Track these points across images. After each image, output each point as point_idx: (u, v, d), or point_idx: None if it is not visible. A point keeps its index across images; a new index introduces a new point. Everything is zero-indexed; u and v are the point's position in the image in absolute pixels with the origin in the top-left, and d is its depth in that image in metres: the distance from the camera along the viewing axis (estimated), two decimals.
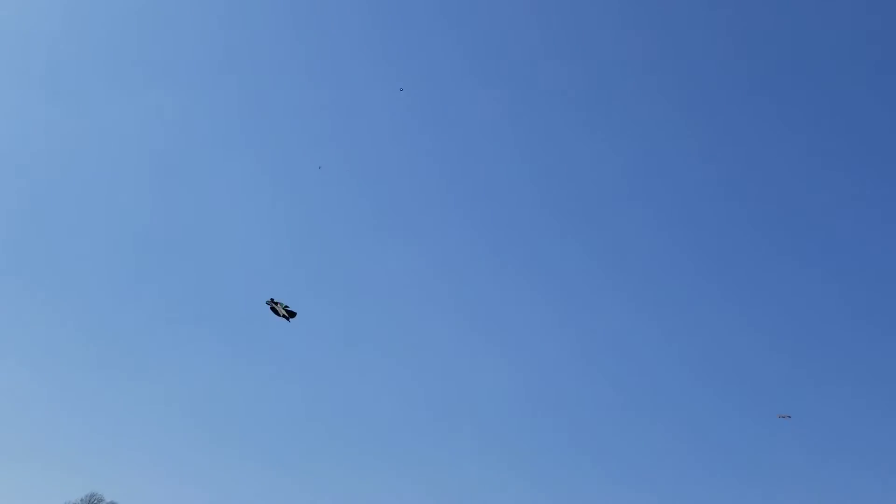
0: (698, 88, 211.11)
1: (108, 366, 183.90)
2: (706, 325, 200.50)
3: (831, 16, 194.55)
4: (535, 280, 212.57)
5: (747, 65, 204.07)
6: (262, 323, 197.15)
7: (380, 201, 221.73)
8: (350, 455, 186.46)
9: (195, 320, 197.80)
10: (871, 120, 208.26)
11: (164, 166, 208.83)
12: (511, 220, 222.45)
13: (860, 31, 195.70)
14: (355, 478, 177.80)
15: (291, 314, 35.98)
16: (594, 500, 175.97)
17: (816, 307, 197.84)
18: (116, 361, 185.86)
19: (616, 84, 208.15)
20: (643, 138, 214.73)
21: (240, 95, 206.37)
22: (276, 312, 35.35)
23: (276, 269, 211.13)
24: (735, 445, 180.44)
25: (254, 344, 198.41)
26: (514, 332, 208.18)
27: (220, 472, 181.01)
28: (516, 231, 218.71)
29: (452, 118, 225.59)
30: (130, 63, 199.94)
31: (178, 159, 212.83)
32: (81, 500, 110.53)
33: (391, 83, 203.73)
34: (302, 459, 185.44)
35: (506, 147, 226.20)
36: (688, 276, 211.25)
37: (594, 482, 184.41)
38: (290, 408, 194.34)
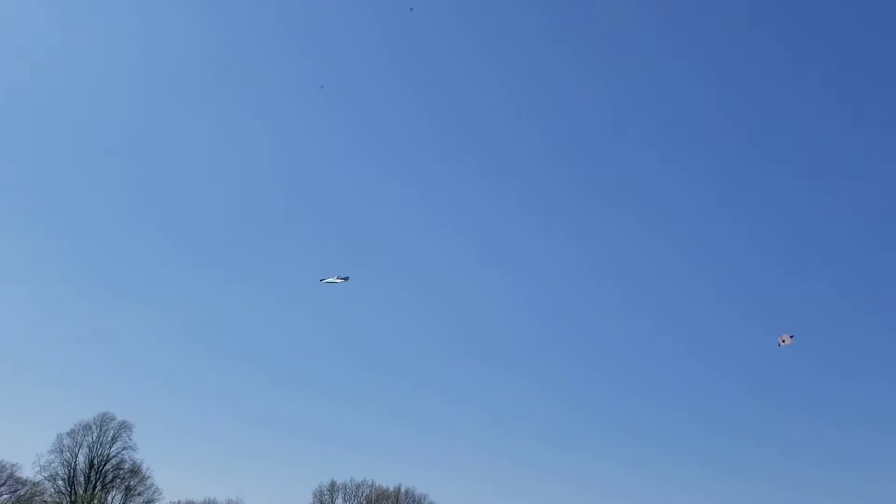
0: None
1: (115, 293, 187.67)
2: (709, 240, 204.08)
3: None
4: (538, 204, 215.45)
5: None
6: (265, 250, 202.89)
7: (376, 134, 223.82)
8: (356, 366, 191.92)
9: (198, 247, 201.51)
10: (867, 39, 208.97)
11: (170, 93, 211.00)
12: (506, 151, 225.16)
13: None
14: (362, 387, 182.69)
15: (344, 279, 35.80)
16: (585, 394, 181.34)
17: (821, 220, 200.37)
18: (123, 288, 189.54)
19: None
20: (635, 67, 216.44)
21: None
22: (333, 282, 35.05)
23: (276, 197, 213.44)
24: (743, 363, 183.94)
25: (259, 270, 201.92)
26: (513, 250, 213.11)
27: (228, 388, 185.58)
28: (510, 160, 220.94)
29: (441, 52, 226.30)
30: None
31: (183, 88, 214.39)
32: (94, 419, 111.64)
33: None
34: (309, 373, 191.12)
35: (497, 76, 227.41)
36: (689, 194, 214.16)
37: (589, 382, 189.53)
38: (296, 328, 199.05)
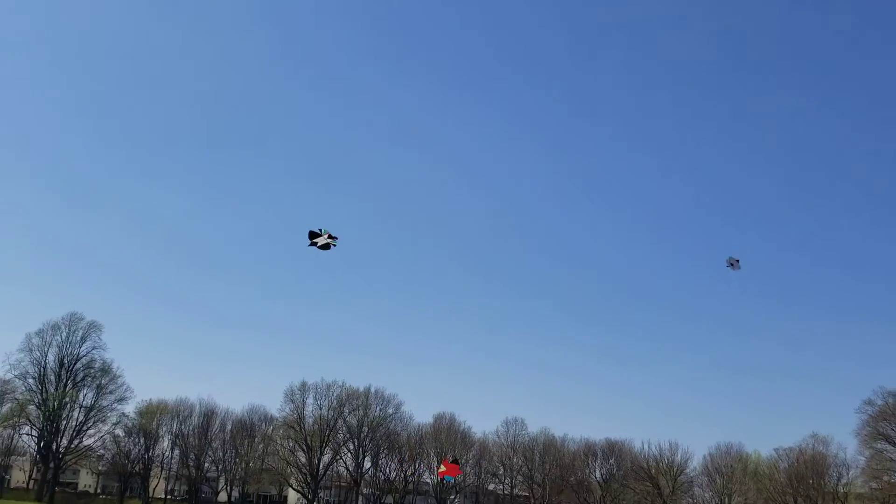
0: None
1: (78, 201, 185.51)
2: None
3: None
4: (512, 123, 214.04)
5: None
6: (233, 160, 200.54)
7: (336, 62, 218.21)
8: (326, 269, 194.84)
9: (172, 157, 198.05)
10: None
11: None
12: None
13: None
14: (333, 289, 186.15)
15: (333, 238, 34.10)
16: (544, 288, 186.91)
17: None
18: (85, 196, 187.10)
19: None
20: None
21: None
22: (324, 245, 33.30)
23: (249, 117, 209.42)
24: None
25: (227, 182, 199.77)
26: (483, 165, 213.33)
27: (197, 291, 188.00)
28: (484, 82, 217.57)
29: None
30: None
31: None
32: (62, 318, 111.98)
33: None
34: (281, 275, 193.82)
35: None
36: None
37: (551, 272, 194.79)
38: (266, 232, 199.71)
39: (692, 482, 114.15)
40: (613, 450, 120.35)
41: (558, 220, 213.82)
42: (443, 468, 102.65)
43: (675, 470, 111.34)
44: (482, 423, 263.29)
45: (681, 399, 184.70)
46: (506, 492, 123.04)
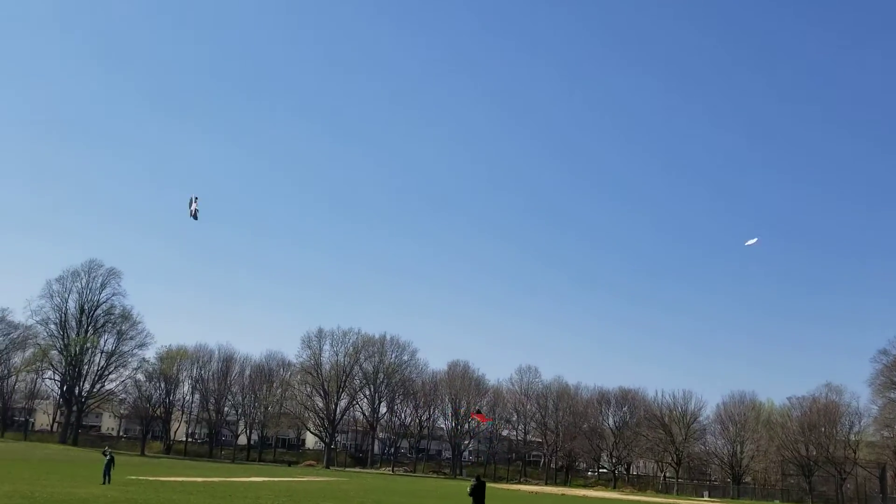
0: None
1: (95, 146, 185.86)
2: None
3: None
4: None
5: None
6: (245, 106, 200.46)
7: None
8: (343, 218, 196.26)
9: (182, 100, 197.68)
10: None
11: None
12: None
13: None
14: (348, 238, 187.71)
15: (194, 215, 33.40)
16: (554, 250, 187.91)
17: None
18: (102, 141, 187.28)
19: None
20: None
21: None
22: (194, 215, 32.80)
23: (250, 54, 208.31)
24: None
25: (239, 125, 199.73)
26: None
27: (216, 239, 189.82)
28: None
29: None
30: None
31: None
32: (82, 265, 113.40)
33: None
34: (298, 224, 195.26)
35: None
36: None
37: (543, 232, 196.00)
38: (283, 182, 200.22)
39: (705, 430, 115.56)
40: (627, 398, 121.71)
41: (579, 157, 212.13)
42: (476, 420, 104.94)
43: (688, 418, 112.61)
44: (496, 371, 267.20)
45: (694, 350, 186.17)
46: (519, 437, 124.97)
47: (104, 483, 32.71)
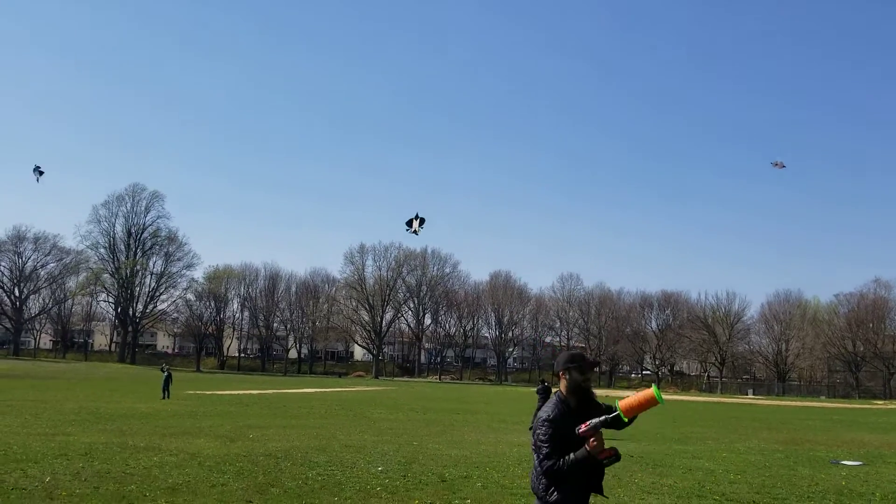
0: None
1: (129, 82, 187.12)
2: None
3: None
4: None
5: None
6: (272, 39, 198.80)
7: None
8: (381, 137, 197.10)
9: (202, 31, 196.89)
10: None
11: None
12: None
13: None
14: (384, 155, 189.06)
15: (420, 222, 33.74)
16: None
17: None
18: (137, 79, 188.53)
19: None
20: None
21: None
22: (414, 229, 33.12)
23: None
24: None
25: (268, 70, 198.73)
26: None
27: (257, 159, 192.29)
28: None
29: None
30: None
31: None
32: (125, 189, 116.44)
33: None
34: (338, 144, 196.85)
35: None
36: None
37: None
38: (320, 104, 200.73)
39: (749, 330, 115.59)
40: (669, 301, 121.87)
41: (616, 65, 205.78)
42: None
43: (731, 318, 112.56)
44: (538, 280, 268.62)
45: (737, 249, 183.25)
46: (562, 343, 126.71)
47: (164, 398, 34.12)
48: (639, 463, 14.75)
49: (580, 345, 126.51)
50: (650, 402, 4.12)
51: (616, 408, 4.16)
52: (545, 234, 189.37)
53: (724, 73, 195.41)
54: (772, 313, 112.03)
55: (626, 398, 4.17)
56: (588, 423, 4.10)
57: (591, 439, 4.05)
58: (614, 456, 4.10)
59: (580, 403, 4.29)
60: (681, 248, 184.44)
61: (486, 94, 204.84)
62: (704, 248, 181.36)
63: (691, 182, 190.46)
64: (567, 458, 4.10)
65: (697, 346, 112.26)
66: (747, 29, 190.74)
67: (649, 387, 4.24)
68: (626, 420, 4.13)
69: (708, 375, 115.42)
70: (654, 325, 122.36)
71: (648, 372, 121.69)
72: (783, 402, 74.26)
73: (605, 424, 4.12)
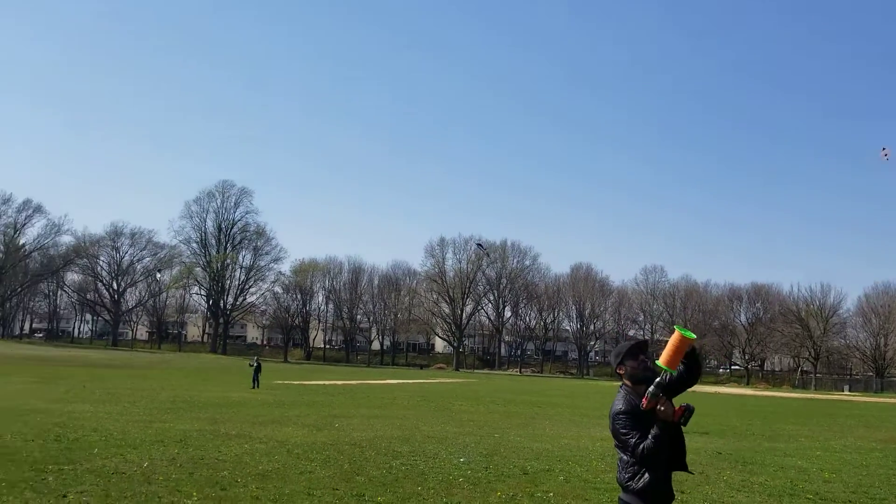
0: None
1: (220, 66, 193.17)
2: None
3: None
4: None
5: None
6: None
7: None
8: (464, 132, 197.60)
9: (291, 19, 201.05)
10: None
11: None
12: None
13: None
14: (467, 150, 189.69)
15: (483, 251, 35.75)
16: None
17: None
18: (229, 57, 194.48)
19: None
20: None
21: None
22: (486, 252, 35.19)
23: None
24: None
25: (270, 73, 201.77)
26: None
27: (342, 152, 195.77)
28: None
29: None
30: None
31: None
32: (216, 186, 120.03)
33: None
34: (421, 136, 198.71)
35: None
36: None
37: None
38: (408, 97, 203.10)
39: (845, 323, 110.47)
40: (760, 293, 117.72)
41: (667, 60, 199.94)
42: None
43: (826, 311, 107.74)
44: (620, 273, 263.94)
45: (833, 239, 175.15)
46: (646, 337, 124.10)
47: (254, 388, 35.30)
48: (727, 460, 14.37)
49: (665, 338, 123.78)
50: (683, 342, 4.18)
51: (657, 366, 4.27)
52: (627, 226, 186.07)
53: (837, 50, 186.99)
54: (870, 306, 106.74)
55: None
56: (645, 395, 4.19)
57: (658, 406, 4.14)
58: (688, 410, 4.18)
59: (645, 388, 4.32)
60: (771, 237, 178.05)
61: (553, 86, 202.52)
62: (797, 238, 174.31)
63: (784, 166, 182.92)
64: (651, 434, 4.20)
65: (790, 340, 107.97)
66: None
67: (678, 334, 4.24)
68: (672, 372, 4.20)
69: (801, 371, 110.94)
70: (743, 318, 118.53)
71: (738, 367, 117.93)
72: (882, 399, 70.79)
73: (661, 388, 4.17)
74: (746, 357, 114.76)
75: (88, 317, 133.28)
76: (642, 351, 4.53)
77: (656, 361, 4.25)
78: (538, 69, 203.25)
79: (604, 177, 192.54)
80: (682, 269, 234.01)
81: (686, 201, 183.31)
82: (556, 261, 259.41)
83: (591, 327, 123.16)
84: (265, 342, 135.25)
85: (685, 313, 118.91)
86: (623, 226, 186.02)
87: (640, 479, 4.26)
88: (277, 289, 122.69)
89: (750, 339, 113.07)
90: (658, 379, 4.20)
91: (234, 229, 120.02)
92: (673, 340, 4.19)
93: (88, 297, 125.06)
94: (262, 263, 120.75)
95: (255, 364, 38.34)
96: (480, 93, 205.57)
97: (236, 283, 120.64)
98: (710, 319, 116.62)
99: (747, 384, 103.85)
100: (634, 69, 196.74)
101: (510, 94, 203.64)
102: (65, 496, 8.37)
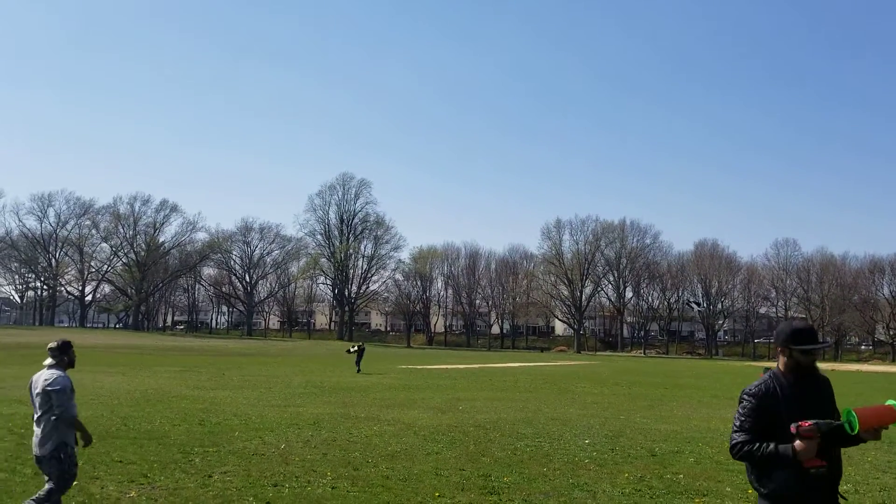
0: None
1: (336, 80, 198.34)
2: None
3: None
4: None
5: None
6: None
7: None
8: (575, 114, 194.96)
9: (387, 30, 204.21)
10: None
11: None
12: None
13: None
14: (580, 133, 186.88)
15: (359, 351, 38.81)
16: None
17: None
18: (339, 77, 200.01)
19: None
20: None
21: None
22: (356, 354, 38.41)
23: None
24: None
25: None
26: None
27: (457, 138, 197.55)
28: None
29: None
30: None
31: None
32: (336, 179, 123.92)
33: None
34: (534, 122, 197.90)
35: None
36: None
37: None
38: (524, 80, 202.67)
39: None
40: None
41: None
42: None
43: None
44: (748, 248, 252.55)
45: None
46: (779, 314, 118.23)
47: (358, 372, 35.99)
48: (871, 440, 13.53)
49: (800, 315, 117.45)
50: (890, 418, 3.50)
51: (847, 416, 3.48)
52: (754, 199, 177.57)
53: None
54: None
55: (863, 408, 3.53)
56: (809, 422, 3.45)
57: (805, 439, 3.40)
58: (823, 469, 3.47)
59: (798, 381, 3.69)
60: None
61: (662, 75, 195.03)
62: None
63: None
64: (765, 445, 3.52)
65: None
66: None
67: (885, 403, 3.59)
68: (853, 433, 3.45)
69: None
70: (886, 291, 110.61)
71: (884, 339, 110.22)
72: None
73: (829, 429, 3.46)
74: (892, 332, 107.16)
75: (224, 308, 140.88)
76: (821, 350, 3.79)
77: (852, 411, 3.47)
78: (648, 58, 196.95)
79: (733, 147, 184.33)
80: (817, 242, 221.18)
81: (817, 172, 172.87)
82: (680, 237, 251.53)
83: (719, 306, 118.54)
84: (388, 328, 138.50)
85: (822, 288, 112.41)
86: (750, 197, 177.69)
87: (768, 482, 3.60)
88: (398, 276, 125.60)
89: (894, 313, 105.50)
90: (832, 421, 3.50)
91: (356, 220, 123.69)
92: (881, 411, 3.51)
93: (224, 289, 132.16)
94: (383, 252, 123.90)
95: (356, 349, 38.49)
96: (591, 73, 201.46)
97: (359, 272, 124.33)
98: (849, 294, 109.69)
99: (893, 361, 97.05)
100: (738, 55, 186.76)
101: (618, 70, 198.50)
102: (210, 476, 8.96)
